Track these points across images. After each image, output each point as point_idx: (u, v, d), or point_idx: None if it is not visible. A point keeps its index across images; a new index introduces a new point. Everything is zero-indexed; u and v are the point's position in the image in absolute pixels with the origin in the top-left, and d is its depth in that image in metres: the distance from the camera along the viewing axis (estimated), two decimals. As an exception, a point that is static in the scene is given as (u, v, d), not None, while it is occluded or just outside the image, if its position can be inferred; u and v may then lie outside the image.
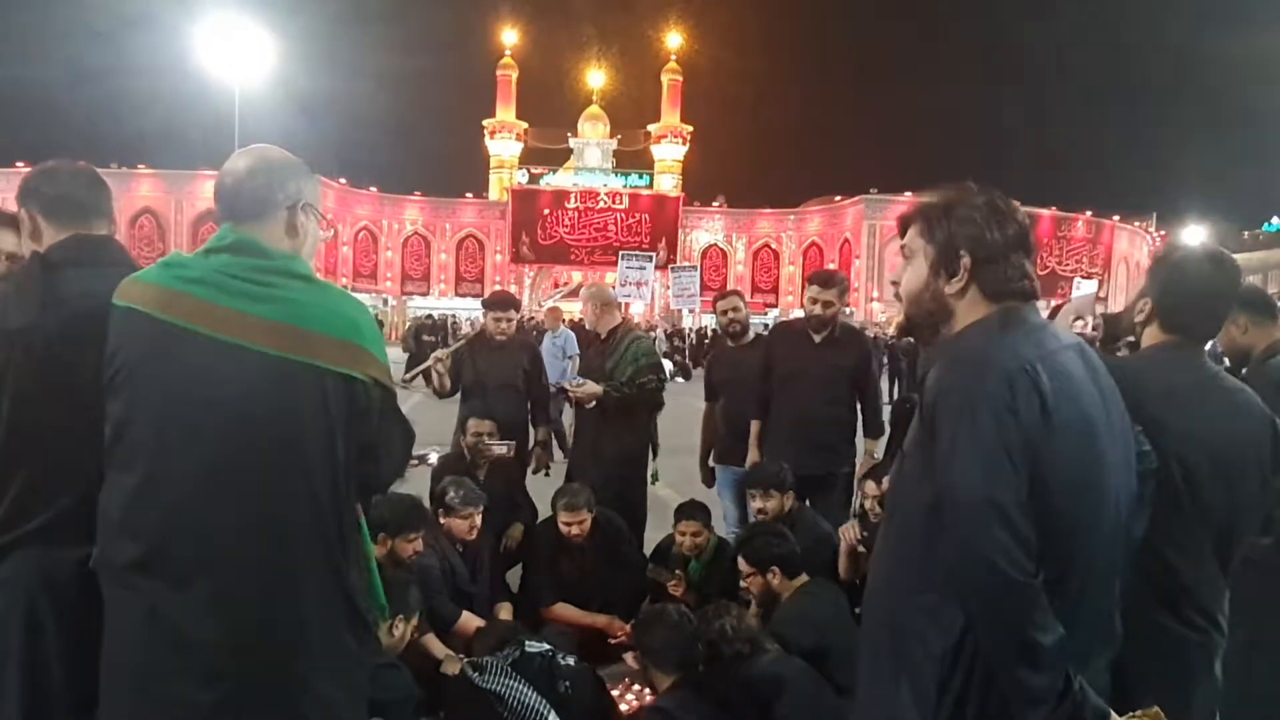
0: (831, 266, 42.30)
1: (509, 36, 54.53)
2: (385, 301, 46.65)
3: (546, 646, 3.01)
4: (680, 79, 54.74)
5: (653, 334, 24.17)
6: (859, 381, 4.31)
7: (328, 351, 1.59)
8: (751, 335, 4.90)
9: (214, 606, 1.54)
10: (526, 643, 2.98)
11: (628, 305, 17.25)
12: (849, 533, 3.62)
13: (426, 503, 3.90)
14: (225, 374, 1.56)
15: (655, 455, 4.91)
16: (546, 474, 4.97)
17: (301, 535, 1.59)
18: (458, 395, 4.84)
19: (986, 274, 1.60)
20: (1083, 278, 22.75)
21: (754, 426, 4.53)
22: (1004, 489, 1.40)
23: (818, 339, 4.29)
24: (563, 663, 2.97)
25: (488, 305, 4.98)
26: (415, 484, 3.96)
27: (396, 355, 25.90)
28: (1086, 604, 1.51)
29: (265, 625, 1.57)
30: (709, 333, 29.78)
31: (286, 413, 1.57)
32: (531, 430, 5.00)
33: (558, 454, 6.24)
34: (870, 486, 3.71)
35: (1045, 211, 50.00)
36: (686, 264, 20.54)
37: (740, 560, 3.49)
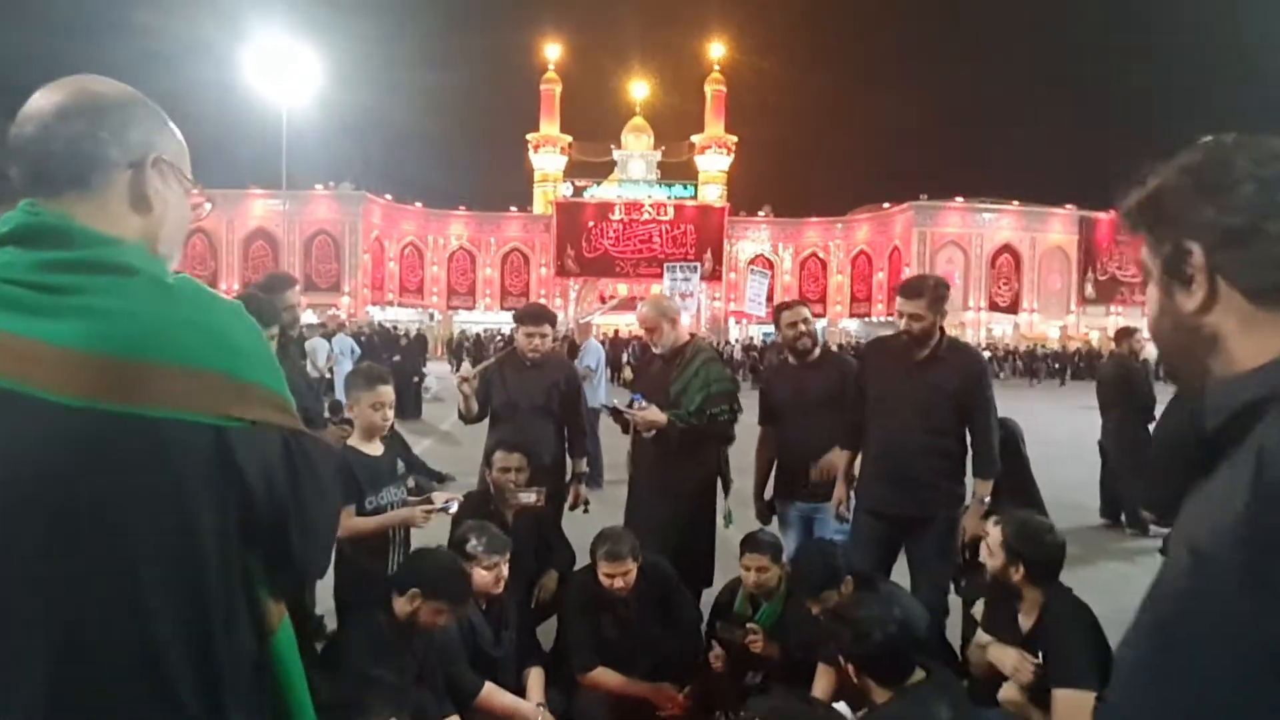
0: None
1: (552, 51, 54.95)
2: (431, 316, 46.84)
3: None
4: (724, 89, 54.51)
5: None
6: (967, 407, 3.60)
7: (174, 391, 1.00)
8: (818, 352, 4.26)
9: None
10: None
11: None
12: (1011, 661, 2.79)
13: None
14: None
15: (727, 493, 4.27)
16: (585, 511, 4.37)
17: (123, 687, 1.01)
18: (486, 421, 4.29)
19: (1234, 264, 0.98)
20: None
21: (842, 459, 3.88)
22: None
23: (917, 357, 3.62)
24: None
25: (519, 319, 4.41)
26: (434, 534, 3.42)
27: (443, 371, 25.58)
28: None
29: None
30: (759, 345, 29.28)
31: (100, 501, 0.99)
32: (569, 462, 4.41)
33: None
34: (993, 534, 2.88)
35: (1104, 215, 48.61)
36: (758, 269, 20.25)
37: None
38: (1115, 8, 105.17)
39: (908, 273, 46.78)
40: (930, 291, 3.55)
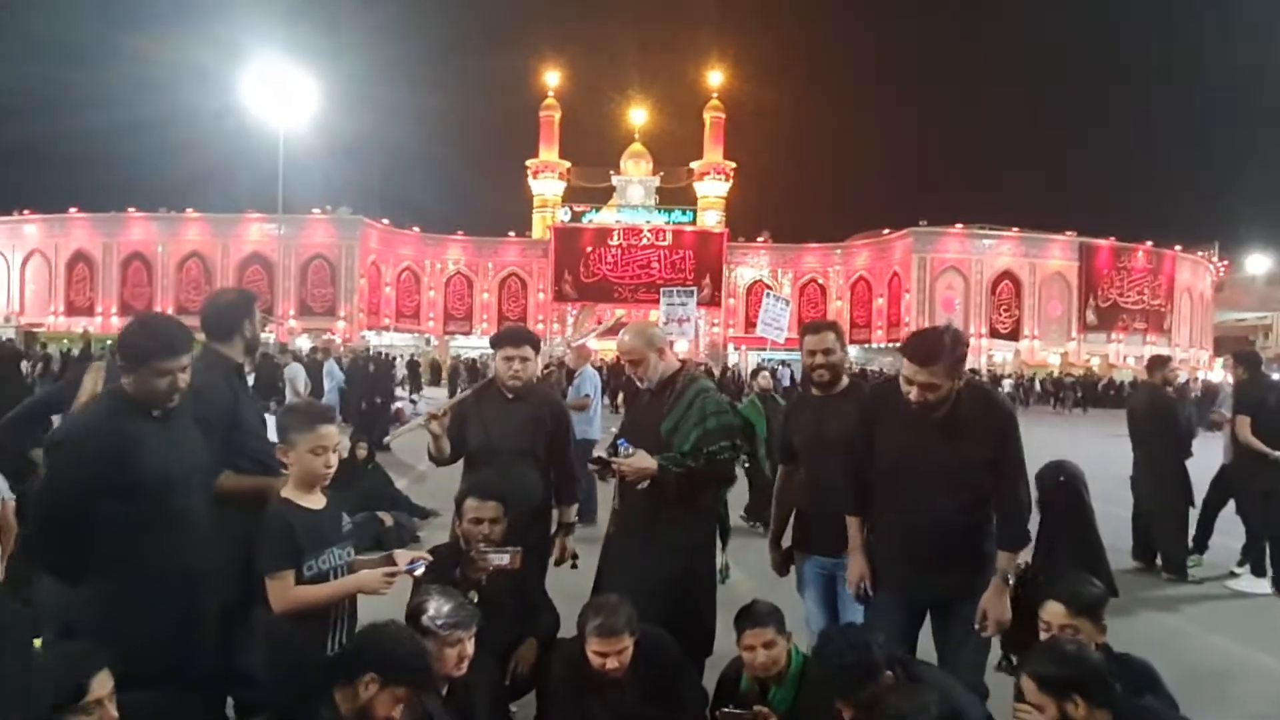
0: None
1: (552, 78, 55.25)
2: (428, 341, 46.41)
3: None
4: (722, 116, 54.71)
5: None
6: (997, 469, 2.95)
7: None
8: (846, 382, 3.69)
9: None
10: None
11: (672, 344, 15.97)
12: None
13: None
14: None
15: (725, 543, 3.72)
16: (574, 567, 3.81)
17: None
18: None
19: None
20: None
21: (851, 524, 3.27)
22: None
23: (934, 417, 2.96)
24: None
25: (496, 342, 3.84)
26: (387, 603, 2.85)
27: (440, 397, 24.98)
28: None
29: None
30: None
31: None
32: (555, 510, 3.87)
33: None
34: (1027, 686, 2.39)
35: (1104, 242, 48.49)
36: (777, 295, 19.51)
37: None
38: (1113, 38, 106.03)
39: (907, 299, 46.50)
40: (948, 354, 2.84)
